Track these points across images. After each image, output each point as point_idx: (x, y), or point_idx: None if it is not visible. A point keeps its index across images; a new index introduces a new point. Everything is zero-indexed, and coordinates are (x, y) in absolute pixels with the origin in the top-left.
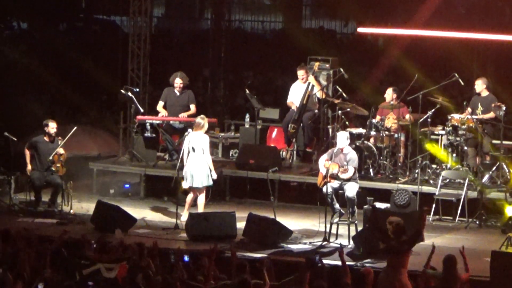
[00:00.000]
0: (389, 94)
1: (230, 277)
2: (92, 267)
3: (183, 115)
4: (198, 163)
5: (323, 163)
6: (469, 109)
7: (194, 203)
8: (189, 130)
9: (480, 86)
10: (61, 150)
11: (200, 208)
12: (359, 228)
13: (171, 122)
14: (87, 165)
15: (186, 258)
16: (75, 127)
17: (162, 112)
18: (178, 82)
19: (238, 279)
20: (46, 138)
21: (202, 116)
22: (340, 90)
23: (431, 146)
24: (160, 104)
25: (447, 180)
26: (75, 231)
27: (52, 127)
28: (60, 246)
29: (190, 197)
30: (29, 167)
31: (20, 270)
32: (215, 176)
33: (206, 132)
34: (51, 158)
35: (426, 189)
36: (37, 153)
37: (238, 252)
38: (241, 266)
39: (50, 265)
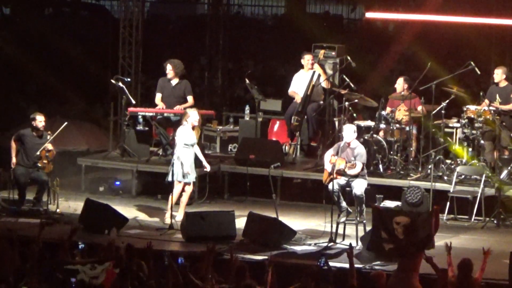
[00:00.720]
0: (400, 84)
1: (228, 281)
2: (78, 276)
3: (180, 108)
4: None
5: (329, 158)
6: (487, 101)
7: (178, 201)
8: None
9: (499, 75)
10: (49, 146)
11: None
12: (368, 228)
13: (165, 114)
14: (75, 161)
15: (180, 260)
16: (66, 122)
17: (161, 105)
18: (168, 69)
19: (243, 284)
20: (33, 133)
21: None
22: (347, 79)
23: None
24: (158, 96)
25: (463, 176)
26: (62, 231)
27: (39, 120)
28: (42, 248)
29: (181, 193)
30: (14, 160)
31: (4, 273)
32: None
33: (202, 125)
34: (38, 153)
35: (439, 186)
36: (23, 148)
37: (238, 254)
38: (240, 269)
39: (31, 269)
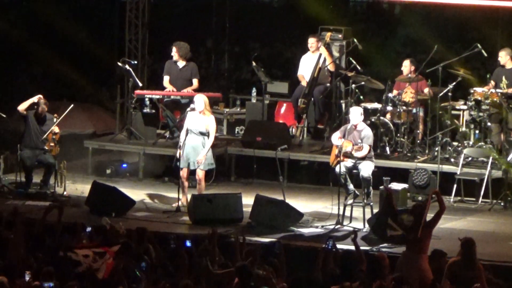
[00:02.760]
0: (407, 67)
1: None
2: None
3: (188, 90)
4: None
5: (336, 140)
6: (493, 82)
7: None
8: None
9: (504, 57)
10: (56, 129)
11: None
12: (375, 210)
13: (172, 97)
14: (82, 144)
15: (188, 243)
16: (72, 105)
17: (169, 88)
18: (173, 51)
19: (237, 265)
20: (35, 116)
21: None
22: (354, 62)
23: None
24: (166, 79)
25: (470, 158)
26: (69, 214)
27: (42, 107)
28: (43, 231)
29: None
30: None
31: (11, 257)
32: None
33: (210, 108)
34: (45, 136)
35: (446, 168)
36: (28, 129)
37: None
38: (249, 253)
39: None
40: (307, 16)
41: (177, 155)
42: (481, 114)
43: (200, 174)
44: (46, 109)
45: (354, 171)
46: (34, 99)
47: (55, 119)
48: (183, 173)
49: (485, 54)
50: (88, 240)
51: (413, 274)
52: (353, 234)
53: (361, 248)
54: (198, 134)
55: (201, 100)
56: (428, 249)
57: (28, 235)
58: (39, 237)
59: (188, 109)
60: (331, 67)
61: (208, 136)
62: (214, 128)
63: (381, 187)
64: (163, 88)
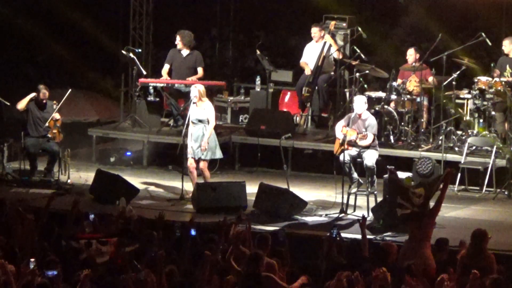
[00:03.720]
0: (412, 55)
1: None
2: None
3: (193, 79)
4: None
5: (340, 129)
6: (497, 71)
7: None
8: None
9: (508, 46)
10: (57, 115)
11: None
12: (379, 199)
13: (176, 85)
14: (86, 132)
15: (193, 232)
16: (70, 90)
17: (165, 77)
18: (177, 39)
19: (250, 253)
20: (36, 104)
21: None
22: (358, 50)
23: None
24: (165, 67)
25: (474, 147)
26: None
27: (43, 93)
28: (48, 219)
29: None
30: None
31: (13, 245)
32: None
33: (214, 97)
34: (47, 124)
35: (451, 157)
36: (30, 118)
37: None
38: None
39: (39, 240)
40: (311, 4)
41: (183, 143)
42: (485, 103)
43: (201, 164)
44: (47, 95)
45: (358, 159)
46: (31, 95)
47: (55, 106)
48: (190, 163)
49: (490, 43)
50: (92, 228)
51: (417, 262)
52: (362, 221)
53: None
54: (198, 122)
55: (195, 90)
56: (431, 237)
57: (36, 223)
58: (47, 226)
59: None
60: (337, 55)
61: (208, 122)
62: (213, 114)
63: (385, 175)
64: (162, 75)
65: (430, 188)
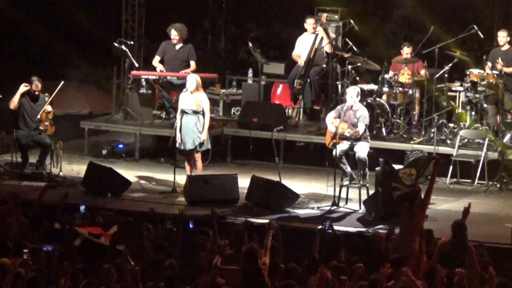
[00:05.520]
0: (408, 54)
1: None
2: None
3: (186, 72)
4: None
5: (331, 121)
6: (489, 63)
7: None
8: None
9: (504, 38)
10: (48, 107)
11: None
12: (371, 192)
13: (168, 77)
14: (78, 124)
15: (191, 225)
16: (62, 82)
17: (159, 67)
18: (173, 34)
19: (246, 248)
20: (28, 96)
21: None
22: (350, 43)
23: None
24: (156, 58)
25: (466, 140)
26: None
27: (36, 84)
28: (39, 211)
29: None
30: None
31: (6, 238)
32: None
33: (206, 89)
34: (39, 116)
35: (442, 149)
36: (24, 111)
37: (241, 217)
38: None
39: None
40: None
41: (176, 138)
42: (477, 95)
43: (196, 155)
44: (40, 87)
45: (350, 152)
46: (21, 90)
47: (47, 98)
48: (188, 155)
49: (482, 36)
50: (81, 221)
51: (408, 255)
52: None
53: (358, 229)
54: (192, 113)
55: (193, 79)
56: (422, 230)
57: (26, 215)
58: (36, 218)
59: (184, 90)
60: (328, 48)
61: (202, 114)
62: (208, 105)
63: (377, 168)
64: (153, 67)
65: (420, 167)
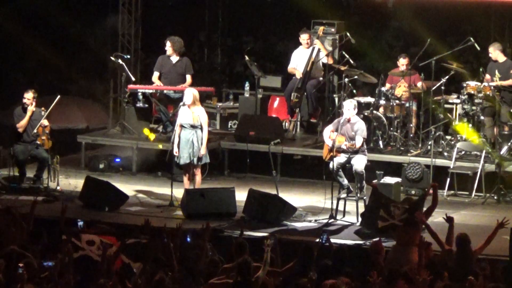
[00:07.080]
0: (404, 65)
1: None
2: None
3: (182, 86)
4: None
5: (328, 134)
6: (488, 76)
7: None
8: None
9: (494, 53)
10: (45, 122)
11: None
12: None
13: (165, 91)
14: (75, 138)
15: (188, 239)
16: (58, 96)
17: (158, 83)
18: (167, 45)
19: (239, 260)
20: (22, 111)
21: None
22: (347, 56)
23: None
24: (155, 75)
25: (463, 152)
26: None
27: (27, 98)
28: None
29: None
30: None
31: (5, 251)
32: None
33: (202, 102)
34: (35, 131)
35: (440, 162)
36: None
37: (238, 231)
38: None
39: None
40: (300, 9)
41: (174, 152)
42: (474, 107)
43: (195, 169)
44: (31, 96)
45: (348, 165)
46: (29, 114)
47: (43, 113)
48: (185, 169)
49: (478, 48)
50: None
51: (404, 267)
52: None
53: (355, 242)
54: (190, 127)
55: (190, 93)
56: (417, 242)
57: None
58: (34, 232)
59: (181, 103)
60: (326, 60)
61: (200, 128)
62: (206, 119)
63: (374, 181)
64: (153, 83)
65: (413, 205)
